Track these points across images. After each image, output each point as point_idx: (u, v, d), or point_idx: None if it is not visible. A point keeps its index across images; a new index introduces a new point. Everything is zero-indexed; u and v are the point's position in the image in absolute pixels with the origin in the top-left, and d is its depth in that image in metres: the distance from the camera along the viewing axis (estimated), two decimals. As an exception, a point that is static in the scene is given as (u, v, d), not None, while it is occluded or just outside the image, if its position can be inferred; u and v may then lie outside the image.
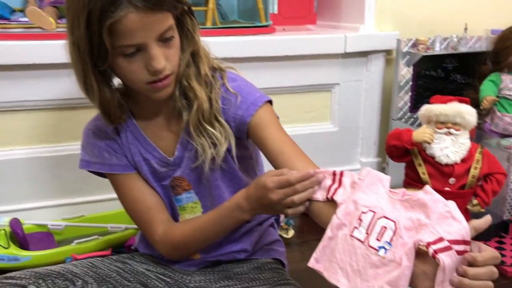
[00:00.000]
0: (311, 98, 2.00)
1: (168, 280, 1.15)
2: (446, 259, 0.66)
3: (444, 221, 0.70)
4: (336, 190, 0.83)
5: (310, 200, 0.86)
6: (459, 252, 0.68)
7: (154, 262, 1.18)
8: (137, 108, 1.04)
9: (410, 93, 1.95)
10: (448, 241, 0.68)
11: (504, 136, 1.84)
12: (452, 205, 0.72)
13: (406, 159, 1.28)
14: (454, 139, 1.23)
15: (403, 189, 0.79)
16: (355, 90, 2.03)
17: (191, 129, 0.99)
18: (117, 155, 1.04)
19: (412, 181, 1.28)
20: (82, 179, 1.71)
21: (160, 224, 1.04)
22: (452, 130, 1.22)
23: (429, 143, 1.22)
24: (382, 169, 2.11)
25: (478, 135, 1.81)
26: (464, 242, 0.68)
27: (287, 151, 0.96)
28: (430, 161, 1.24)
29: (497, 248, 1.62)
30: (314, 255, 0.81)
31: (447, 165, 1.23)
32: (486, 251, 0.69)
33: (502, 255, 1.57)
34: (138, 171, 1.05)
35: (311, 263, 0.81)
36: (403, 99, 1.96)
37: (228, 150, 1.03)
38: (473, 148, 1.25)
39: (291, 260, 1.30)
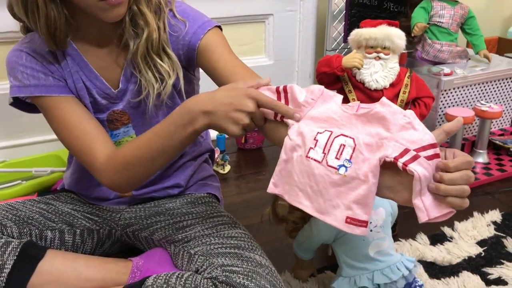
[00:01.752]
0: (245, 30, 1.94)
1: (96, 219, 1.11)
2: (418, 168, 0.65)
3: (406, 132, 0.68)
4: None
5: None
6: (429, 157, 0.66)
7: (81, 202, 1.13)
8: (78, 32, 0.95)
9: (343, 23, 1.92)
10: (415, 150, 0.66)
11: (435, 63, 1.87)
12: (411, 115, 0.70)
13: (336, 86, 1.27)
14: (383, 63, 1.22)
15: (357, 102, 0.76)
16: (289, 21, 1.98)
17: (138, 60, 0.94)
18: (55, 77, 0.95)
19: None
20: (1, 122, 1.60)
21: (101, 149, 0.94)
22: (381, 55, 1.21)
23: (359, 69, 1.21)
24: (318, 102, 2.11)
25: (410, 63, 1.82)
26: (432, 146, 0.67)
27: (239, 72, 0.92)
28: (360, 87, 1.24)
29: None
30: (272, 180, 0.77)
31: (376, 90, 1.22)
32: (459, 157, 0.69)
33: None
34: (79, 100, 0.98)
35: (270, 189, 0.78)
36: (337, 29, 1.94)
37: (174, 86, 0.98)
38: (402, 72, 1.25)
39: (228, 194, 1.30)
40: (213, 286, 0.87)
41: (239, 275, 0.87)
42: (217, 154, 1.71)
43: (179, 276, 0.92)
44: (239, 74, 0.91)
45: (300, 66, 2.08)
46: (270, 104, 0.79)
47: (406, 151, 0.67)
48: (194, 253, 0.99)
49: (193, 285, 0.89)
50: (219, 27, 1.00)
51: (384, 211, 0.94)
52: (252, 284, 0.86)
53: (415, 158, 0.66)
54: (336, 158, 0.71)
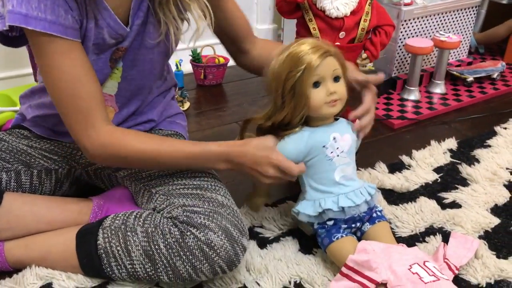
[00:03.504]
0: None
1: (55, 158, 1.06)
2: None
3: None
4: None
5: None
6: None
7: (37, 137, 1.07)
8: None
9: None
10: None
11: (395, -7, 1.83)
12: None
13: (296, 14, 1.22)
14: (345, -10, 1.18)
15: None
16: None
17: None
18: (74, 16, 0.81)
19: (304, 38, 1.24)
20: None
21: (103, 119, 0.85)
22: (342, -19, 1.17)
23: (319, -5, 1.17)
24: (278, 36, 2.06)
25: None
26: None
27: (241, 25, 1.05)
28: (320, 15, 1.20)
29: (385, 104, 1.69)
30: None
31: (337, 18, 1.19)
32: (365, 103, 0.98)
33: (389, 110, 1.64)
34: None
35: None
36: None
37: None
38: (363, 0, 1.22)
39: (188, 131, 1.27)
40: (174, 226, 0.87)
41: (200, 215, 0.87)
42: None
43: (137, 215, 0.91)
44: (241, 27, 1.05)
45: (259, -2, 2.01)
46: (286, 169, 0.90)
47: None
48: (155, 192, 0.97)
49: (152, 225, 0.88)
50: None
51: (350, 137, 0.94)
52: (213, 224, 0.85)
53: None
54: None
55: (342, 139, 0.93)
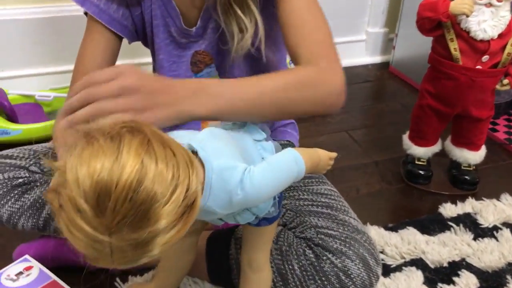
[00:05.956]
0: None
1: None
2: None
3: None
4: None
5: None
6: None
7: None
8: None
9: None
10: None
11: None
12: None
13: (436, 33, 1.16)
14: (495, 11, 1.10)
15: None
16: None
17: (218, 6, 0.84)
18: (129, 14, 0.88)
19: (441, 57, 1.18)
20: (69, 45, 1.55)
21: None
22: (493, 1, 1.09)
23: (467, 16, 1.10)
24: (390, 40, 1.99)
25: None
26: None
27: (303, 54, 0.78)
28: (463, 36, 1.13)
29: (506, 126, 1.59)
30: None
31: (482, 41, 1.12)
32: None
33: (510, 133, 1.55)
34: (149, 37, 0.91)
35: None
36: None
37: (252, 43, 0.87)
38: None
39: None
40: (308, 248, 0.85)
41: (335, 239, 0.84)
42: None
43: None
44: (302, 55, 0.78)
45: (374, 0, 1.94)
46: None
47: None
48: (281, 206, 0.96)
49: (285, 243, 0.87)
50: None
51: None
52: (350, 252, 0.83)
53: None
54: None
55: None
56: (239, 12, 0.83)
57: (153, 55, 0.96)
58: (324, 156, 0.71)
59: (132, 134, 0.49)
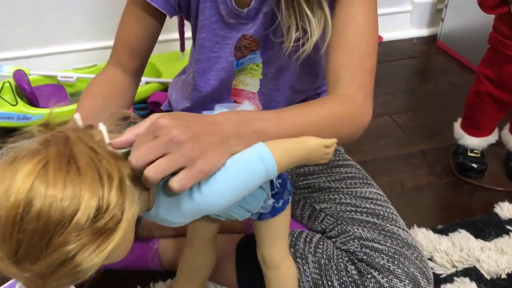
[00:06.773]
0: None
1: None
2: None
3: None
4: None
5: None
6: None
7: None
8: None
9: None
10: None
11: None
12: None
13: (501, 9, 1.01)
14: None
15: None
16: None
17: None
18: None
19: (504, 38, 1.03)
20: (92, 21, 1.46)
21: (114, 62, 0.85)
22: None
23: (540, -10, 0.95)
24: (438, 11, 1.83)
25: None
26: None
27: (344, 78, 0.71)
28: (533, 13, 0.98)
29: None
30: None
31: (555, 19, 0.97)
32: None
33: None
34: (193, 12, 0.83)
35: None
36: None
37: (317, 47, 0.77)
38: None
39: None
40: (351, 263, 0.78)
41: (382, 255, 0.76)
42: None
43: (307, 239, 0.83)
44: (342, 80, 0.71)
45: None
46: None
47: None
48: (319, 209, 0.87)
49: (325, 256, 0.80)
50: None
51: None
52: (399, 270, 0.75)
53: None
54: None
55: None
56: (305, 8, 0.72)
57: (194, 32, 0.87)
58: (316, 145, 0.60)
59: (30, 157, 0.45)
